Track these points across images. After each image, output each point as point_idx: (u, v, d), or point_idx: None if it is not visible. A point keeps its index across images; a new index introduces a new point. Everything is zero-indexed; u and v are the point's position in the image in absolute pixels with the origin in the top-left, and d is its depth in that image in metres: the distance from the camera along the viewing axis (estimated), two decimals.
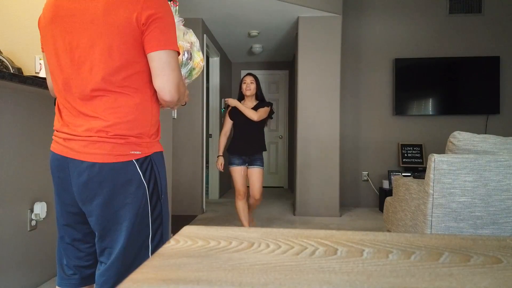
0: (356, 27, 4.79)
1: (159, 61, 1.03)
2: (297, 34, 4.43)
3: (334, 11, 4.16)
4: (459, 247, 0.50)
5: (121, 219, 1.07)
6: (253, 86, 3.09)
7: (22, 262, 1.94)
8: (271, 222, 3.90)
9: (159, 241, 1.13)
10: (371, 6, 4.77)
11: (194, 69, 1.43)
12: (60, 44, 1.06)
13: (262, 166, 3.10)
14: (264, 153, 7.12)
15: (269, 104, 3.09)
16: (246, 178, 3.12)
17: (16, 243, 1.89)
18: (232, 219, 3.97)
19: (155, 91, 1.09)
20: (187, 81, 1.44)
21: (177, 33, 1.28)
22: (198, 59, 1.42)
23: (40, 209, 2.01)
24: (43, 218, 2.06)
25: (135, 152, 1.05)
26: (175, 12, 1.47)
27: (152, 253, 1.11)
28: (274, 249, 0.49)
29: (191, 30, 1.46)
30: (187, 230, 0.58)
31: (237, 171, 3.06)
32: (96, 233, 1.10)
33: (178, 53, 1.08)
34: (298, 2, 3.89)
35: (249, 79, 3.10)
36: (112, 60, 1.02)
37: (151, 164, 1.10)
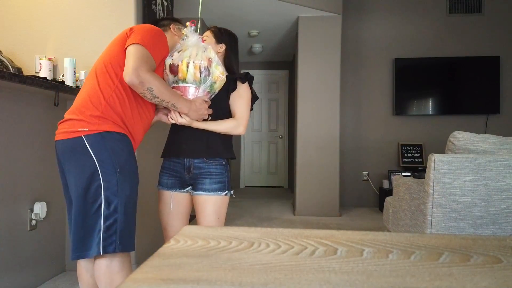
0: (356, 27, 4.79)
1: (126, 54, 1.28)
2: (297, 34, 4.43)
3: (334, 11, 4.16)
4: (459, 247, 0.50)
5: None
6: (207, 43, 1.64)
7: (22, 262, 1.94)
8: (271, 222, 3.90)
9: (114, 211, 1.24)
10: (371, 6, 4.76)
11: (215, 83, 1.50)
12: None
13: (219, 190, 1.55)
14: (264, 153, 7.22)
15: (245, 78, 1.62)
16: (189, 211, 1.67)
17: (16, 243, 1.89)
18: (232, 219, 3.97)
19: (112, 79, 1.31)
20: (210, 94, 1.53)
21: (196, 50, 1.47)
22: (218, 72, 1.49)
23: (40, 209, 2.01)
24: (43, 218, 2.05)
25: (83, 129, 1.24)
26: (195, 31, 1.53)
27: (104, 222, 1.22)
28: (274, 249, 0.49)
29: (210, 46, 1.54)
30: (187, 230, 0.58)
31: (163, 199, 1.62)
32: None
33: (147, 48, 1.28)
34: (298, 2, 3.89)
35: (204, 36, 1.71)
36: (101, 57, 1.36)
37: (103, 141, 1.25)
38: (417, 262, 0.44)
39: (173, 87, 1.48)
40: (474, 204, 1.87)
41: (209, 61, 1.48)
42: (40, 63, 2.21)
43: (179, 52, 1.49)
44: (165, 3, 2.94)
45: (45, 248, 2.13)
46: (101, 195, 1.23)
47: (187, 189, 1.59)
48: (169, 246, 0.50)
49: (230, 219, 4.00)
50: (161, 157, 1.66)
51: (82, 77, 2.27)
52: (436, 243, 0.52)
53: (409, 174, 2.65)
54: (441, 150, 4.41)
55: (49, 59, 2.24)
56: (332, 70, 4.21)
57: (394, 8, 4.74)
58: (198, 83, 1.46)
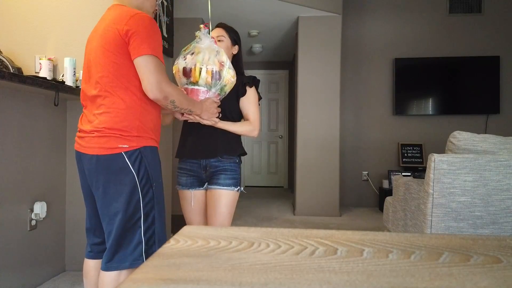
0: (356, 27, 4.79)
1: (139, 67, 1.24)
2: (297, 34, 4.43)
3: (334, 11, 4.16)
4: (459, 247, 0.50)
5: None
6: (223, 46, 1.72)
7: (22, 262, 1.94)
8: (271, 221, 3.90)
9: (151, 223, 1.31)
10: (371, 6, 4.76)
11: (225, 85, 1.56)
12: (86, 61, 1.35)
13: (233, 186, 1.66)
14: (264, 153, 7.21)
15: (253, 81, 1.73)
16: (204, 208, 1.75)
17: (16, 243, 1.89)
18: (232, 219, 3.97)
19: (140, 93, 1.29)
20: (220, 97, 1.59)
21: (209, 54, 1.50)
22: (229, 76, 1.55)
23: (40, 209, 2.01)
24: (43, 218, 2.06)
25: (123, 146, 1.26)
26: (208, 33, 1.56)
27: (144, 234, 1.29)
28: (274, 249, 0.49)
29: (222, 49, 1.58)
30: (187, 230, 0.58)
31: (184, 198, 1.72)
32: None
33: (158, 57, 1.25)
34: (298, 2, 3.88)
35: (215, 33, 1.75)
36: (105, 66, 1.26)
37: (140, 156, 1.29)
38: (417, 262, 0.44)
39: (184, 88, 1.55)
40: (474, 204, 1.87)
41: (221, 65, 1.52)
42: (40, 63, 2.21)
43: (192, 54, 1.53)
44: (165, 3, 2.94)
45: (45, 248, 2.13)
46: (140, 209, 1.28)
47: (205, 186, 1.71)
48: (169, 246, 0.50)
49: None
50: (176, 157, 1.75)
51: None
52: (436, 243, 0.52)
53: (409, 174, 2.65)
54: (441, 150, 4.41)
55: (49, 59, 2.24)
56: (332, 70, 4.21)
57: (394, 8, 4.74)
58: (209, 87, 1.52)
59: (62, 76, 2.22)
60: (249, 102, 1.70)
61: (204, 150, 1.65)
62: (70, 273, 2.27)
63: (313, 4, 4.00)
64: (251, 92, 1.71)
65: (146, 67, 1.22)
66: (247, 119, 1.71)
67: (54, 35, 2.39)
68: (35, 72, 2.30)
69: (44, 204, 2.04)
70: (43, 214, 2.03)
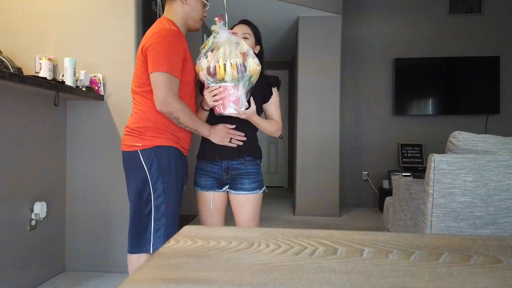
0: (356, 27, 4.79)
1: (151, 82, 1.41)
2: (297, 34, 4.43)
3: (334, 11, 4.16)
4: (459, 247, 0.50)
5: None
6: (248, 44, 1.58)
7: (22, 262, 1.94)
8: (271, 221, 3.90)
9: (162, 215, 1.45)
10: (371, 6, 4.76)
11: (252, 76, 1.51)
12: None
13: (257, 189, 1.65)
14: (264, 153, 7.16)
15: (276, 82, 1.72)
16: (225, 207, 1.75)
17: (16, 243, 1.89)
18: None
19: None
20: (248, 87, 1.52)
21: (229, 47, 1.49)
22: (254, 65, 1.51)
23: (40, 208, 2.01)
24: (43, 218, 2.05)
25: (138, 144, 1.45)
26: (224, 25, 1.54)
27: (154, 226, 1.44)
28: (274, 249, 0.49)
29: (241, 39, 1.54)
30: (187, 230, 0.58)
31: (203, 200, 1.68)
32: None
33: (169, 71, 1.37)
34: (298, 2, 3.88)
35: (240, 30, 1.69)
36: (135, 77, 1.50)
37: (153, 154, 1.45)
38: (417, 262, 0.44)
39: (211, 86, 1.51)
40: (474, 204, 1.87)
41: (244, 55, 1.48)
42: (40, 63, 2.21)
43: (212, 51, 1.50)
44: None
45: (45, 248, 2.13)
46: (151, 202, 1.45)
47: (224, 188, 1.67)
48: (169, 246, 0.50)
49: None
50: (196, 158, 1.73)
51: (82, 77, 2.27)
52: (436, 243, 0.52)
53: (409, 174, 2.65)
54: (441, 150, 4.40)
55: (49, 59, 2.24)
56: (332, 70, 4.21)
57: (394, 8, 4.74)
58: (236, 81, 1.48)
59: (62, 76, 2.22)
60: (274, 103, 1.71)
61: (226, 152, 1.60)
62: (70, 273, 2.27)
63: (313, 4, 4.00)
64: (276, 93, 1.72)
65: (156, 83, 1.38)
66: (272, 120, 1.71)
67: (54, 35, 2.39)
68: (35, 72, 2.30)
69: (44, 204, 2.04)
70: (43, 214, 2.03)
